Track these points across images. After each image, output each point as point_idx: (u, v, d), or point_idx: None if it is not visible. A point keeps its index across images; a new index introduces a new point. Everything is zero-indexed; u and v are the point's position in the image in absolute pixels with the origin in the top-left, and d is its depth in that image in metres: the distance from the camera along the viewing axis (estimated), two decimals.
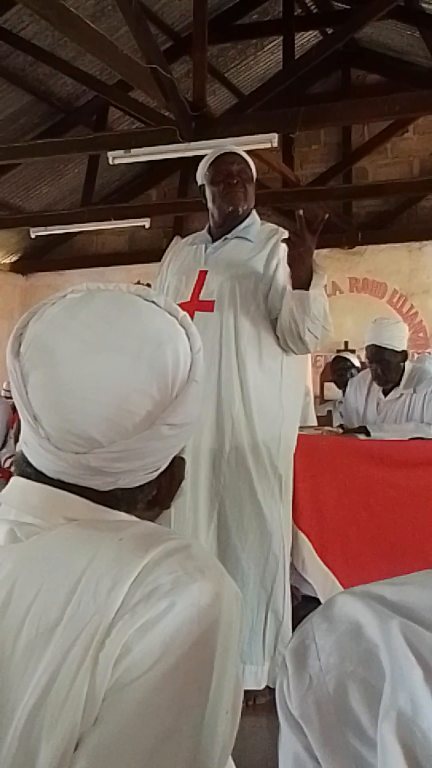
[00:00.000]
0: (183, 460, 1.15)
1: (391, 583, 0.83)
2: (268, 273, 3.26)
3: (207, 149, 6.30)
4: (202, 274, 3.30)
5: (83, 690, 0.87)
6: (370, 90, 9.83)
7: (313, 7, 9.23)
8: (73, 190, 10.65)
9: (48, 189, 10.68)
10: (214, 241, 3.42)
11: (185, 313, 1.13)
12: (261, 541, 3.21)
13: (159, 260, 3.51)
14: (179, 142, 6.28)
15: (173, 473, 1.13)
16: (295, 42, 8.90)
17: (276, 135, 6.34)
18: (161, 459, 1.08)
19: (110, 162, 6.98)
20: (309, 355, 3.51)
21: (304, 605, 3.59)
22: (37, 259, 12.00)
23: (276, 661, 3.19)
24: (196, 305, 3.21)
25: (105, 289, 1.12)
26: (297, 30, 9.00)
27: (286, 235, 3.29)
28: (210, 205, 3.44)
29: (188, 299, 3.26)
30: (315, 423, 5.51)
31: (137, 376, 1.01)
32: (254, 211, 3.47)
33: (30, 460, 1.06)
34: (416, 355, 8.32)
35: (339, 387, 7.27)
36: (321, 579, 3.66)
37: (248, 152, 3.56)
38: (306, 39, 9.53)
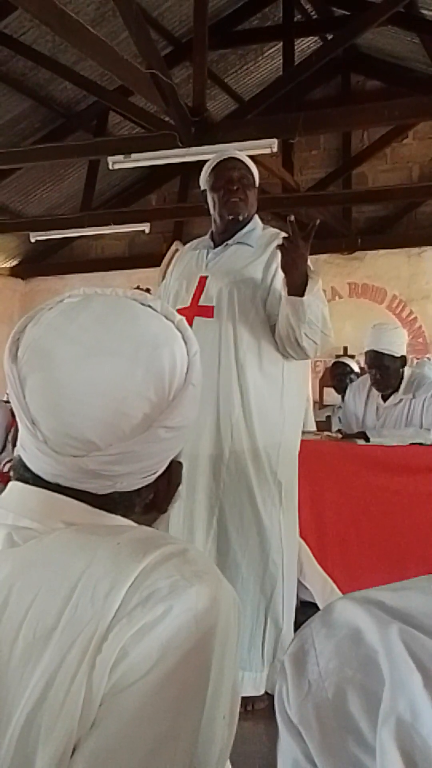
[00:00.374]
0: (180, 464, 1.15)
1: (391, 589, 0.83)
2: (267, 278, 3.26)
3: (207, 154, 6.31)
4: (203, 280, 3.30)
5: (80, 694, 0.87)
6: (369, 96, 9.85)
7: (313, 12, 9.25)
8: (72, 195, 10.66)
9: (48, 193, 10.69)
10: (215, 246, 3.42)
11: (182, 317, 1.13)
12: (261, 548, 3.20)
13: (158, 265, 3.53)
14: (179, 148, 6.29)
15: (170, 477, 1.13)
16: (295, 47, 8.92)
17: (276, 140, 6.35)
18: (158, 462, 1.08)
19: (110, 167, 6.99)
20: (309, 360, 3.50)
21: (302, 611, 3.59)
22: (37, 263, 12.01)
23: (275, 667, 3.18)
24: (195, 310, 3.22)
25: (102, 294, 1.13)
26: (297, 36, 9.02)
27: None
28: (212, 211, 3.45)
29: (188, 304, 3.26)
30: (314, 428, 5.51)
31: (134, 379, 1.02)
32: (256, 216, 3.47)
33: (28, 464, 1.06)
34: (415, 361, 8.32)
35: (338, 392, 7.27)
36: (320, 584, 3.66)
37: (248, 157, 3.56)
38: (306, 45, 9.55)
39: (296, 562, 3.42)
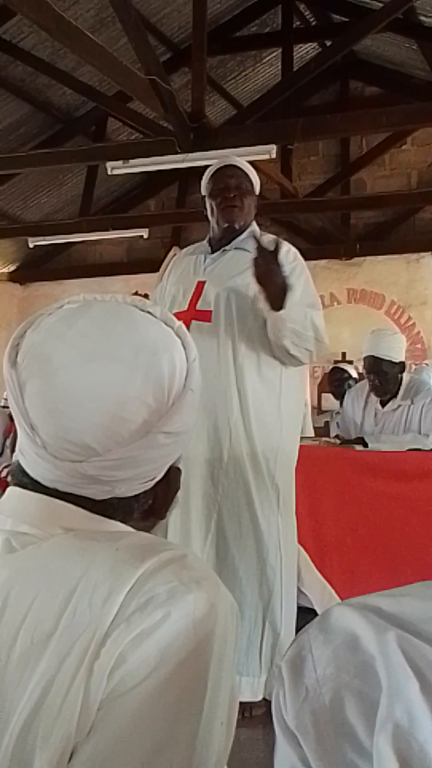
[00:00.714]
0: (179, 470, 1.15)
1: (388, 595, 0.83)
2: None
3: (205, 160, 6.34)
4: (200, 285, 3.31)
5: (78, 700, 0.86)
6: (368, 102, 9.87)
7: (312, 19, 9.28)
8: (71, 200, 10.67)
9: (46, 199, 10.70)
10: (213, 252, 3.43)
11: (181, 322, 1.14)
12: (258, 553, 3.20)
13: (157, 270, 3.53)
14: (178, 153, 6.30)
15: (169, 483, 1.13)
16: (294, 54, 8.94)
17: (274, 146, 6.37)
18: (157, 468, 1.08)
19: (109, 172, 7.00)
20: (307, 365, 3.51)
21: (301, 616, 3.58)
22: (35, 268, 12.02)
23: (273, 673, 3.18)
24: (193, 314, 3.22)
25: (101, 300, 1.13)
26: (296, 42, 9.04)
27: (284, 245, 3.32)
28: (209, 217, 3.46)
29: (186, 309, 3.27)
30: (312, 434, 5.52)
31: (133, 385, 1.02)
32: (254, 223, 3.48)
33: (26, 469, 1.06)
34: (414, 367, 8.33)
35: (336, 398, 7.27)
36: (318, 590, 3.65)
37: (248, 164, 3.57)
38: (305, 51, 9.57)
39: (295, 567, 3.42)
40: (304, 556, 3.70)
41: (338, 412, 6.27)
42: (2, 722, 0.88)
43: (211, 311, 3.24)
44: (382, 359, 4.69)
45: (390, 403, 4.80)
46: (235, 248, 3.38)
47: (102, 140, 9.47)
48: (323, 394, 9.07)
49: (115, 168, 6.87)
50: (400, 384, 4.78)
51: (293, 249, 3.38)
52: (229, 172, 3.42)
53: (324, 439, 4.98)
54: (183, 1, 7.84)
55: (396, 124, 6.70)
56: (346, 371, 7.42)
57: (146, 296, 3.04)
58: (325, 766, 0.74)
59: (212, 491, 3.21)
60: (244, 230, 3.40)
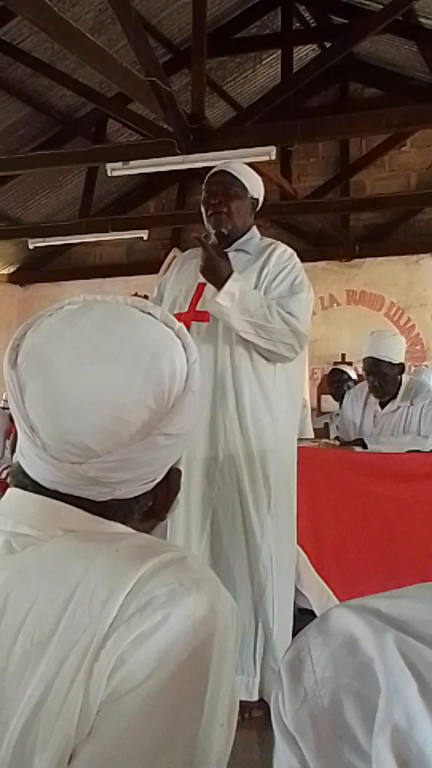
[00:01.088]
0: (179, 471, 1.15)
1: (387, 596, 0.83)
2: (259, 283, 3.30)
3: (205, 162, 6.35)
4: (201, 286, 3.33)
5: (78, 702, 0.86)
6: (368, 103, 9.87)
7: (311, 21, 9.28)
8: (71, 202, 10.66)
9: (46, 200, 10.70)
10: None
11: (181, 324, 1.14)
12: (250, 552, 3.21)
13: (157, 272, 3.54)
14: (177, 155, 6.30)
15: (169, 484, 1.13)
16: (294, 55, 8.94)
17: (274, 148, 6.36)
18: (157, 469, 1.08)
19: (109, 174, 7.00)
20: (306, 367, 3.53)
21: (299, 618, 3.58)
22: (35, 270, 12.01)
23: (268, 674, 3.18)
24: (192, 315, 3.25)
25: (102, 301, 1.13)
26: (295, 43, 9.04)
27: (281, 247, 3.36)
28: (204, 224, 3.50)
29: (186, 310, 3.29)
30: (312, 435, 5.52)
31: (134, 386, 1.02)
32: (254, 227, 3.50)
33: (27, 470, 1.06)
34: (413, 368, 8.33)
35: (336, 399, 7.28)
36: (317, 592, 3.66)
37: (246, 165, 3.57)
38: (304, 52, 9.58)
39: (291, 567, 3.41)
40: (303, 557, 3.71)
41: (338, 414, 6.27)
42: (2, 724, 0.88)
43: (208, 312, 3.26)
44: (382, 360, 4.69)
45: (389, 405, 4.80)
46: (236, 250, 3.40)
47: (102, 142, 9.47)
48: (323, 396, 9.07)
49: (115, 169, 6.87)
50: (400, 385, 4.79)
51: (289, 250, 3.44)
52: (216, 179, 3.45)
53: (323, 440, 4.98)
54: (183, 3, 7.84)
55: (396, 125, 6.69)
56: (345, 373, 7.43)
57: (146, 297, 3.07)
58: None
59: (208, 490, 3.24)
60: (237, 233, 3.43)
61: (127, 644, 0.88)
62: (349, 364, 8.57)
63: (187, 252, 3.65)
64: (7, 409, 6.00)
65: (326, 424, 7.32)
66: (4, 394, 6.67)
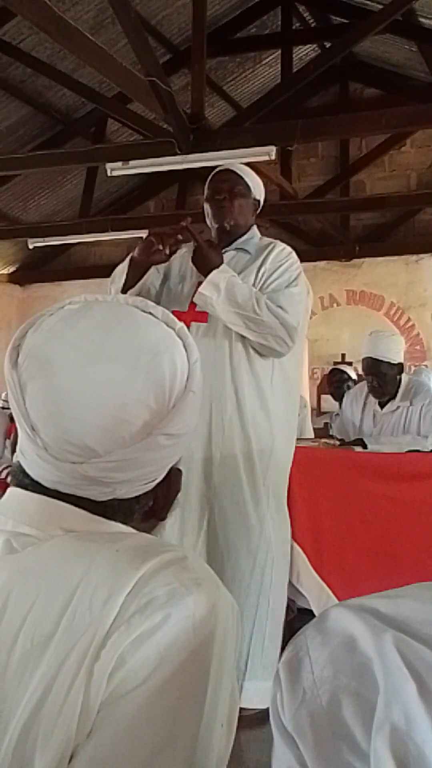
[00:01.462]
0: (180, 471, 1.15)
1: (386, 596, 0.83)
2: (257, 282, 3.31)
3: (205, 162, 6.35)
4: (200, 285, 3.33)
5: (78, 702, 0.86)
6: (367, 103, 9.87)
7: (311, 21, 9.28)
8: (71, 202, 10.66)
9: (46, 200, 10.70)
10: None
11: (182, 324, 1.13)
12: (247, 551, 3.21)
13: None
14: (177, 155, 6.30)
15: (170, 484, 1.13)
16: (294, 55, 8.95)
17: (274, 148, 6.36)
18: (158, 469, 1.08)
19: (108, 174, 7.00)
20: (305, 367, 3.54)
21: (299, 618, 3.58)
22: (35, 270, 12.01)
23: (259, 673, 3.17)
24: (192, 315, 3.25)
25: (103, 301, 1.13)
26: (295, 43, 9.05)
27: (280, 246, 3.37)
28: (207, 221, 3.51)
29: (185, 309, 3.29)
30: (312, 435, 5.52)
31: (134, 386, 1.02)
32: (254, 227, 3.52)
33: (27, 470, 1.06)
34: (413, 368, 8.33)
35: (336, 399, 7.28)
36: (316, 592, 3.65)
37: (246, 165, 3.58)
38: (304, 52, 9.58)
39: (286, 567, 3.42)
40: (302, 557, 3.70)
41: (337, 414, 6.27)
42: (2, 724, 0.88)
43: (207, 312, 3.26)
44: (381, 361, 4.69)
45: (389, 405, 4.80)
46: (236, 249, 3.41)
47: (101, 141, 9.46)
48: (322, 396, 9.07)
49: (115, 169, 6.86)
50: (399, 385, 4.79)
51: (287, 248, 3.46)
52: (222, 176, 3.49)
53: (323, 440, 4.98)
54: (183, 3, 7.84)
55: (395, 125, 6.70)
56: (345, 372, 7.43)
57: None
58: None
59: (205, 490, 3.24)
60: (238, 231, 3.45)
61: (127, 644, 0.88)
62: (349, 364, 8.56)
63: (188, 246, 3.64)
64: (8, 408, 6.00)
65: (326, 424, 7.32)
66: (3, 393, 6.67)
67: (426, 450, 4.34)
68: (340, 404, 5.98)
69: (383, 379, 4.75)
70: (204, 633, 0.92)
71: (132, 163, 6.75)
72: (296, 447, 3.52)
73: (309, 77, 7.78)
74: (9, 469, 1.12)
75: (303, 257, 3.51)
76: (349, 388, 6.56)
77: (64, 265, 12.00)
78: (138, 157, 6.73)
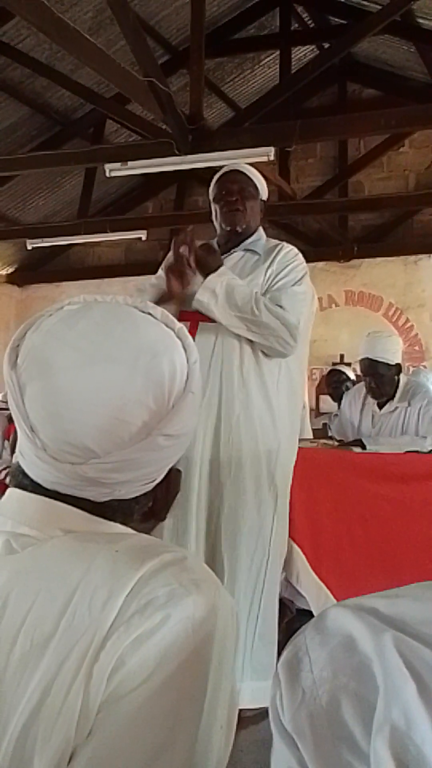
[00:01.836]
0: (179, 471, 1.15)
1: (385, 596, 0.83)
2: (264, 284, 3.30)
3: (203, 162, 6.35)
4: None
5: (77, 703, 0.86)
6: (366, 104, 9.87)
7: (309, 21, 9.28)
8: (69, 202, 10.67)
9: (45, 201, 10.70)
10: (222, 254, 3.45)
11: (181, 324, 1.14)
12: (248, 552, 3.21)
13: (155, 272, 3.52)
14: (176, 155, 6.30)
15: (169, 485, 1.13)
16: (292, 56, 8.95)
17: (272, 148, 6.37)
18: (157, 470, 1.08)
19: (107, 174, 7.00)
20: (305, 369, 3.54)
21: (297, 618, 3.58)
22: (34, 270, 12.01)
23: (252, 672, 3.16)
24: (198, 315, 3.23)
25: (102, 301, 1.12)
26: (294, 44, 9.05)
27: (287, 247, 3.37)
28: (214, 221, 3.50)
29: (192, 309, 3.27)
30: (310, 436, 5.52)
31: (133, 387, 1.02)
32: (261, 228, 3.53)
33: (26, 471, 1.06)
34: (411, 369, 8.33)
35: (334, 400, 7.27)
36: (314, 592, 3.65)
37: (251, 167, 3.58)
38: (303, 53, 9.58)
39: (280, 567, 3.42)
40: (301, 557, 3.70)
41: (336, 414, 6.27)
42: (2, 724, 0.88)
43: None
44: (378, 361, 4.70)
45: (387, 405, 4.80)
46: (244, 249, 3.41)
47: (100, 142, 9.46)
48: (321, 396, 9.06)
49: (114, 170, 6.87)
50: (397, 386, 4.79)
51: (294, 249, 3.46)
52: (232, 177, 3.47)
53: (322, 440, 4.98)
54: (181, 4, 7.84)
55: (394, 126, 6.70)
56: (344, 373, 7.42)
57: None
58: None
59: (210, 491, 3.23)
60: (248, 233, 3.45)
61: (127, 645, 0.88)
62: (348, 364, 8.55)
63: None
64: (7, 409, 6.00)
65: (325, 425, 7.31)
66: (3, 394, 6.66)
67: (424, 451, 4.34)
68: (339, 405, 5.99)
69: (381, 380, 4.76)
70: (203, 634, 0.92)
71: (130, 163, 6.75)
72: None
73: (307, 78, 7.78)
74: (8, 470, 1.12)
75: None
76: (347, 388, 6.56)
77: (62, 265, 12.00)
78: (136, 158, 6.73)
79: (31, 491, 1.05)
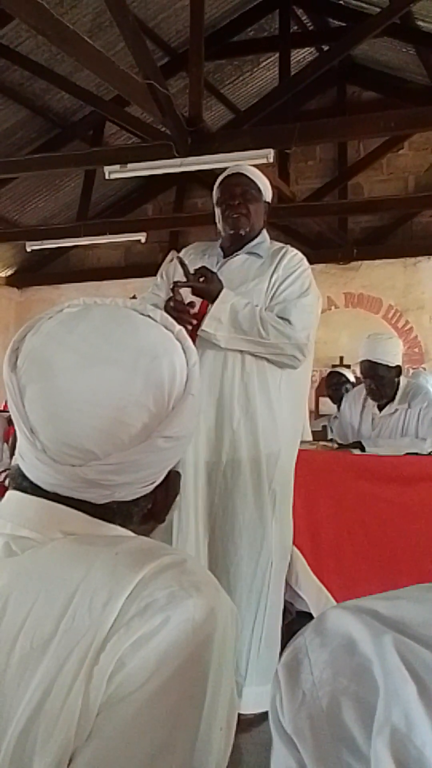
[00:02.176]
0: (178, 474, 1.15)
1: (385, 598, 0.83)
2: (269, 289, 3.29)
3: (203, 165, 6.35)
4: None
5: (77, 704, 0.86)
6: (365, 106, 9.87)
7: (309, 24, 9.28)
8: (69, 205, 10.66)
9: (44, 203, 10.70)
10: (225, 257, 3.45)
11: (181, 327, 1.14)
12: (250, 557, 3.20)
13: (154, 275, 3.51)
14: (175, 158, 6.30)
15: (168, 487, 1.13)
16: (291, 58, 8.94)
17: (272, 150, 6.36)
18: (157, 472, 1.08)
19: (106, 177, 7.00)
20: (310, 372, 3.54)
21: (297, 620, 3.58)
22: (33, 273, 12.00)
23: (254, 678, 3.16)
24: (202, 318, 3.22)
25: (102, 304, 1.13)
26: (293, 47, 9.04)
27: (291, 252, 3.36)
28: (218, 224, 3.48)
29: (197, 310, 3.27)
30: (310, 438, 5.51)
31: (133, 389, 1.02)
32: (264, 230, 3.51)
33: (26, 473, 1.06)
34: (411, 371, 8.34)
35: (334, 402, 7.27)
36: (314, 594, 3.66)
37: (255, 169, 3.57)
38: (302, 56, 9.58)
39: (284, 572, 3.41)
40: (301, 559, 3.71)
41: (336, 416, 6.27)
42: (2, 726, 0.88)
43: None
44: (378, 363, 4.70)
45: (387, 407, 4.81)
46: (247, 253, 3.40)
47: (99, 144, 9.46)
48: (321, 398, 9.06)
49: (113, 172, 6.87)
50: (397, 388, 4.79)
51: (299, 254, 3.45)
52: (235, 180, 3.45)
53: (321, 443, 4.98)
54: (180, 6, 7.84)
55: (393, 128, 6.70)
56: (343, 375, 7.43)
57: (134, 297, 3.06)
58: None
59: (210, 494, 3.22)
60: (251, 236, 3.43)
61: (126, 647, 0.88)
62: (347, 366, 8.55)
63: (195, 245, 3.62)
64: (6, 412, 6.00)
65: (324, 427, 7.31)
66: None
67: (424, 453, 4.34)
68: (338, 407, 5.99)
69: (381, 382, 4.76)
70: (203, 636, 0.92)
71: (130, 166, 6.75)
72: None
73: (307, 80, 7.80)
74: (8, 472, 1.12)
75: None
76: (347, 390, 6.56)
77: (61, 268, 11.99)
78: (136, 160, 6.73)
79: (30, 493, 1.05)
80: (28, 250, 9.85)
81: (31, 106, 8.84)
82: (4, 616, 0.94)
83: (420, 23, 7.97)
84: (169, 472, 1.12)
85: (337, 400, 6.75)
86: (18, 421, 1.03)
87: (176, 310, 3.07)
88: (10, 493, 1.08)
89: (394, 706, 0.70)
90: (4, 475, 5.74)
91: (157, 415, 1.03)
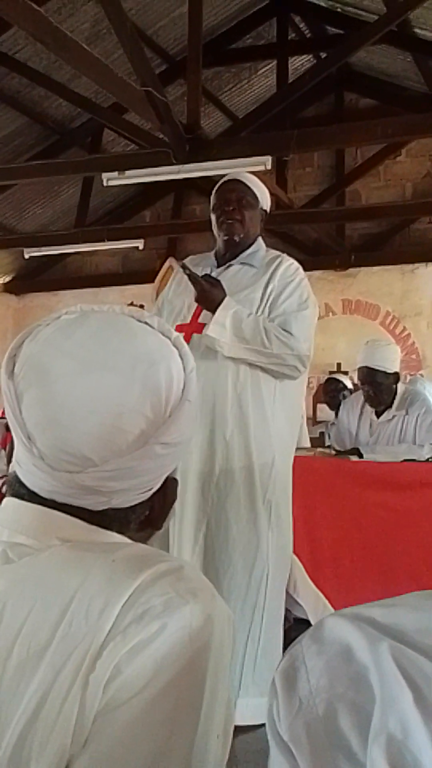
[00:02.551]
0: (176, 480, 1.15)
1: (382, 605, 0.83)
2: (264, 298, 3.28)
3: (201, 171, 6.36)
4: None
5: (73, 712, 0.86)
6: (363, 114, 9.89)
7: (306, 31, 9.31)
8: (67, 211, 10.67)
9: (42, 210, 10.70)
10: (219, 266, 3.43)
11: (178, 333, 1.14)
12: (244, 567, 3.17)
13: (152, 281, 3.51)
14: (173, 164, 6.31)
15: (166, 494, 1.13)
16: (289, 66, 8.96)
17: (269, 157, 6.38)
18: (154, 479, 1.08)
19: (104, 183, 7.01)
20: (305, 381, 3.52)
21: (295, 627, 3.57)
22: (31, 279, 12.00)
23: (252, 689, 3.13)
24: (194, 327, 3.20)
25: (99, 310, 1.13)
26: (291, 54, 9.06)
27: (287, 261, 3.34)
28: (214, 231, 3.47)
29: (188, 321, 3.26)
30: (308, 444, 5.52)
31: (130, 395, 1.02)
32: (260, 238, 3.49)
33: (23, 480, 1.06)
34: (408, 377, 8.34)
35: (331, 408, 7.28)
36: (312, 601, 3.65)
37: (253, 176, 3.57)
38: (300, 63, 9.60)
39: (284, 583, 3.38)
40: (299, 566, 3.70)
41: (333, 423, 6.28)
42: None
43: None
44: (376, 370, 4.70)
45: (385, 414, 4.81)
46: (241, 263, 3.39)
47: (97, 151, 9.46)
48: (318, 405, 9.06)
49: (111, 179, 6.88)
50: (395, 395, 4.80)
51: (295, 264, 3.42)
52: (231, 186, 3.44)
53: (319, 449, 4.99)
54: (178, 13, 7.86)
55: (390, 135, 6.71)
56: (341, 382, 7.44)
57: (142, 307, 3.06)
58: None
59: (202, 503, 3.20)
60: (246, 243, 3.41)
61: (123, 654, 0.88)
62: (345, 373, 8.56)
63: (189, 258, 3.62)
64: (4, 418, 5.99)
65: (322, 434, 7.32)
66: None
67: (421, 459, 4.35)
68: (336, 413, 5.99)
69: (379, 389, 4.76)
70: (200, 643, 0.92)
71: (128, 173, 6.76)
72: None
73: (304, 87, 7.79)
74: (5, 479, 1.12)
75: None
76: (344, 397, 6.57)
77: (59, 274, 12.00)
78: (134, 167, 6.74)
79: (27, 500, 1.05)
80: (26, 256, 9.86)
81: (29, 113, 8.85)
82: (1, 623, 0.94)
83: (417, 31, 7.99)
84: (167, 479, 1.12)
85: (335, 407, 6.76)
86: (15, 427, 1.03)
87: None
88: (7, 500, 1.08)
89: (390, 713, 0.70)
90: (1, 482, 5.73)
91: (155, 421, 1.03)
